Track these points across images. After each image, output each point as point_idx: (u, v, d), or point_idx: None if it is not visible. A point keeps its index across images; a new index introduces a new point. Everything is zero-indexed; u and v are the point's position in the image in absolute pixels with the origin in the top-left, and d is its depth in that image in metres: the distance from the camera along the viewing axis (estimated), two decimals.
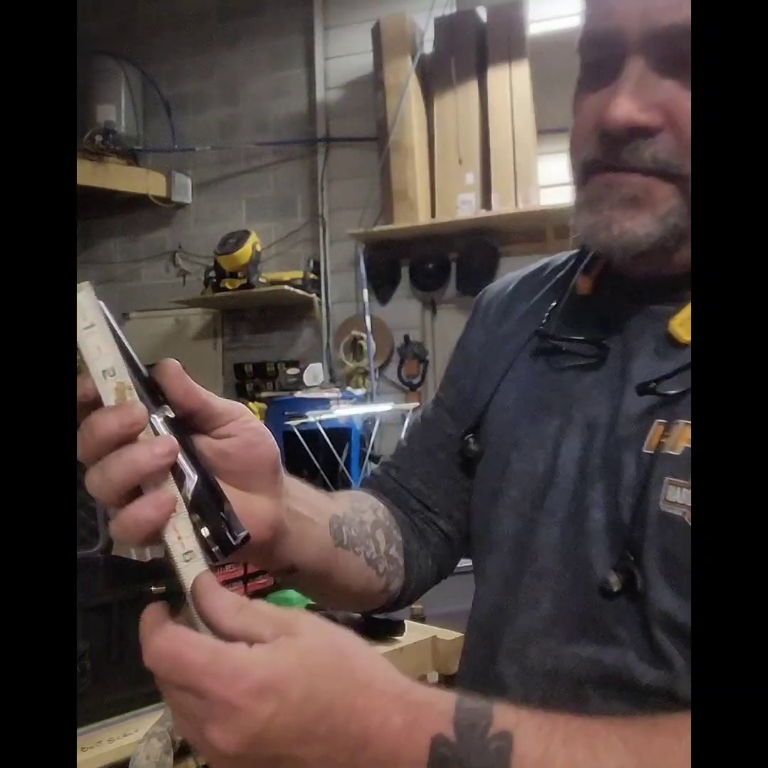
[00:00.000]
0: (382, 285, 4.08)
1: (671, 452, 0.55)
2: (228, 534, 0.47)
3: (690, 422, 0.54)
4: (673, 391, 0.55)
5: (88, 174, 4.20)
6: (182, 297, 4.32)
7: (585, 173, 0.61)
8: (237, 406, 0.53)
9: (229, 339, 4.47)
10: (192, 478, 0.47)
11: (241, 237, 3.97)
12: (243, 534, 0.47)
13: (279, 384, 4.04)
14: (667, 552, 0.54)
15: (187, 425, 0.50)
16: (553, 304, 0.71)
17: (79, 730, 1.04)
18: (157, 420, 0.47)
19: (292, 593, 1.64)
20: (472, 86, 3.72)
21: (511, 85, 3.65)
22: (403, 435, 0.88)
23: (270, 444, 0.55)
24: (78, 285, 0.47)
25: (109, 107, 4.38)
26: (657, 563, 0.54)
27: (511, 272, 0.86)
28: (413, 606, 1.67)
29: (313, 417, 3.12)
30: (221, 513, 0.47)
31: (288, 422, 3.15)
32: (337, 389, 3.69)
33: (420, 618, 1.64)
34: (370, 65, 3.98)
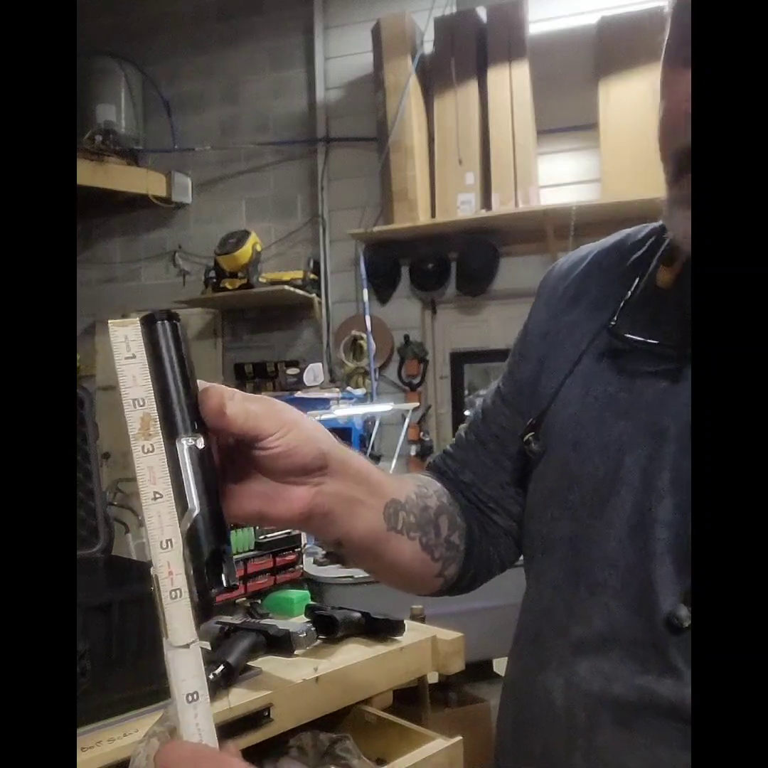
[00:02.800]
0: (382, 285, 4.08)
1: None
2: (207, 581, 0.47)
3: None
4: None
5: (88, 174, 4.20)
6: (182, 297, 4.32)
7: (680, 165, 0.53)
8: (280, 420, 0.54)
9: (229, 339, 4.47)
10: (194, 510, 0.47)
11: (241, 237, 3.97)
12: (219, 589, 0.47)
13: (279, 384, 4.04)
14: None
15: (231, 447, 0.53)
16: (627, 294, 0.64)
17: (79, 730, 1.04)
18: (183, 448, 0.49)
19: (292, 593, 1.64)
20: (472, 86, 3.72)
21: (511, 85, 3.65)
22: (463, 425, 0.85)
23: (311, 446, 0.56)
24: (131, 319, 0.50)
25: (109, 107, 4.38)
26: None
27: (585, 246, 0.76)
28: (413, 606, 1.68)
29: (313, 417, 3.11)
30: (207, 557, 0.47)
31: None
32: (337, 389, 3.69)
33: (420, 618, 1.64)
34: (370, 65, 3.98)
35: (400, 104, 3.73)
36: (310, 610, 1.46)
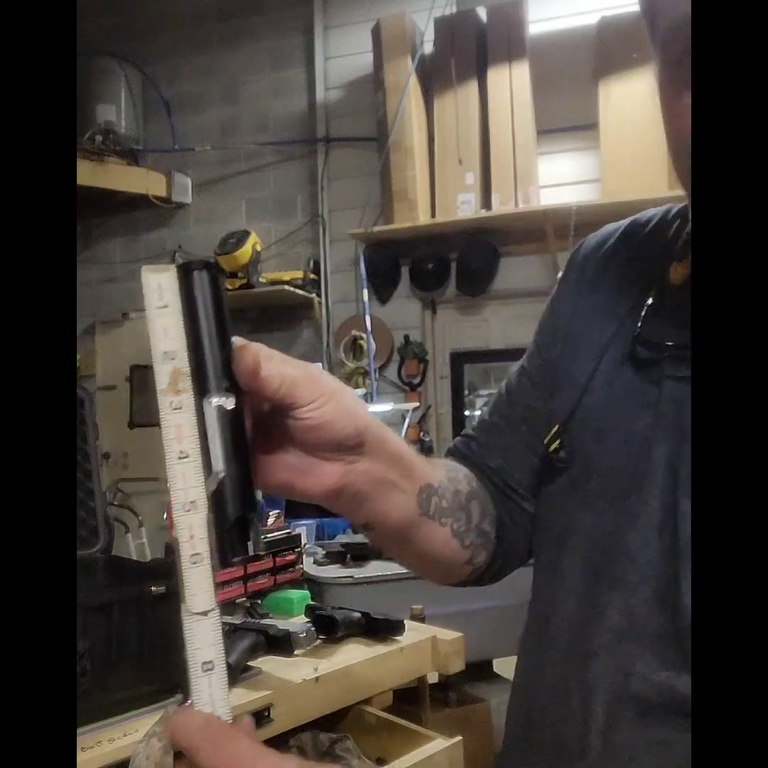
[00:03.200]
0: (382, 285, 4.08)
1: None
2: (229, 547, 0.45)
3: None
4: None
5: (88, 174, 4.20)
6: None
7: None
8: (318, 389, 0.50)
9: None
10: (220, 472, 0.45)
11: (241, 237, 3.97)
12: (243, 556, 0.46)
13: None
14: None
15: (264, 413, 0.50)
16: (649, 301, 0.63)
17: (79, 730, 1.04)
18: (211, 407, 0.45)
19: (292, 593, 1.64)
20: (472, 86, 3.72)
21: (511, 85, 3.65)
22: (485, 407, 0.81)
23: (348, 421, 0.52)
24: (165, 266, 0.47)
25: (109, 107, 4.38)
26: None
27: (610, 223, 0.74)
28: (413, 606, 1.68)
29: None
30: (232, 523, 0.45)
31: None
32: None
33: (420, 618, 1.64)
34: (370, 65, 3.98)
35: (400, 104, 3.73)
36: (310, 610, 1.46)
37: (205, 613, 0.44)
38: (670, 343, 0.59)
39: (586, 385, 0.64)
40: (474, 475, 0.73)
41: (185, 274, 0.47)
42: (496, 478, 0.74)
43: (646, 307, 0.62)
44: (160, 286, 0.46)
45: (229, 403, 0.46)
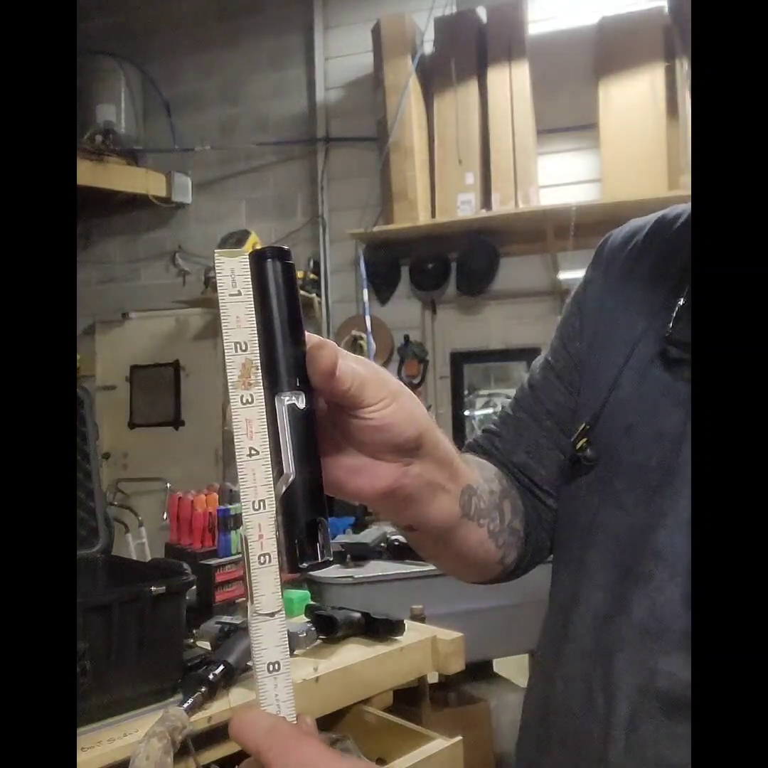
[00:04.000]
0: (382, 285, 4.08)
1: None
2: (298, 553, 0.44)
3: None
4: None
5: (88, 174, 4.21)
6: (182, 297, 4.32)
7: None
8: (384, 390, 0.49)
9: None
10: (291, 474, 0.44)
11: (241, 237, 3.97)
12: (312, 562, 0.44)
13: None
14: None
15: (333, 407, 0.49)
16: (681, 301, 0.62)
17: (79, 730, 1.04)
18: (283, 405, 0.44)
19: (292, 593, 1.64)
20: (472, 86, 3.72)
21: (511, 85, 3.65)
22: (506, 402, 0.79)
23: (410, 425, 0.52)
24: (239, 250, 0.45)
25: (109, 107, 4.38)
26: None
27: (634, 219, 0.73)
28: (413, 606, 1.68)
29: None
30: (302, 527, 0.44)
31: None
32: None
33: (420, 618, 1.64)
34: (370, 65, 3.98)
35: (400, 104, 3.73)
36: (310, 610, 1.46)
37: (272, 614, 0.44)
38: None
39: (615, 382, 0.64)
40: (502, 472, 0.72)
41: (259, 261, 0.45)
42: (521, 474, 0.73)
43: (678, 308, 0.61)
44: (232, 272, 0.44)
45: (301, 402, 0.45)
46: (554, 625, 0.67)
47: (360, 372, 0.47)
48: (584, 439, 0.65)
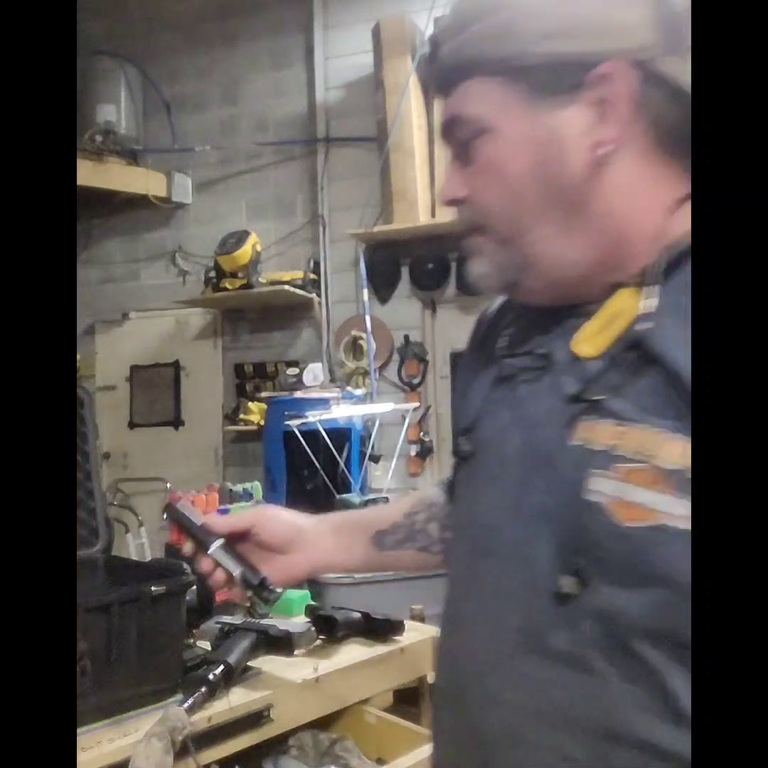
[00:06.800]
0: (382, 285, 4.07)
1: (594, 447, 0.59)
2: (263, 592, 0.86)
3: (606, 421, 0.59)
4: (595, 398, 0.60)
5: (88, 174, 4.20)
6: (182, 297, 4.32)
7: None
8: (257, 517, 0.88)
9: (229, 339, 4.47)
10: (237, 570, 0.84)
11: (241, 237, 3.97)
12: (274, 591, 0.88)
13: (279, 384, 4.04)
14: (597, 540, 0.57)
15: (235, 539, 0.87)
16: (506, 328, 0.77)
17: (79, 730, 1.04)
18: (216, 546, 0.85)
19: (292, 593, 1.64)
20: None
21: None
22: None
23: (280, 524, 0.87)
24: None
25: (109, 107, 4.38)
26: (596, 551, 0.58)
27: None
28: (413, 606, 1.68)
29: (313, 417, 3.12)
30: (257, 581, 0.85)
31: (288, 422, 3.15)
32: (337, 389, 3.69)
33: (420, 618, 1.64)
34: (370, 65, 3.98)
35: (400, 104, 3.73)
36: (310, 610, 1.46)
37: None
38: (521, 365, 0.70)
39: (481, 407, 0.75)
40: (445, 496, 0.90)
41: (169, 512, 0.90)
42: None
43: (503, 330, 0.77)
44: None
45: (220, 540, 0.86)
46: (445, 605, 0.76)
47: (238, 522, 0.88)
48: (463, 437, 0.75)
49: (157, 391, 4.59)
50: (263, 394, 4.01)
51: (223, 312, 4.45)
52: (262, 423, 3.98)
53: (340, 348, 4.05)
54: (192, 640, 1.35)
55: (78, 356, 4.47)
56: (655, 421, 0.56)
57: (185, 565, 1.28)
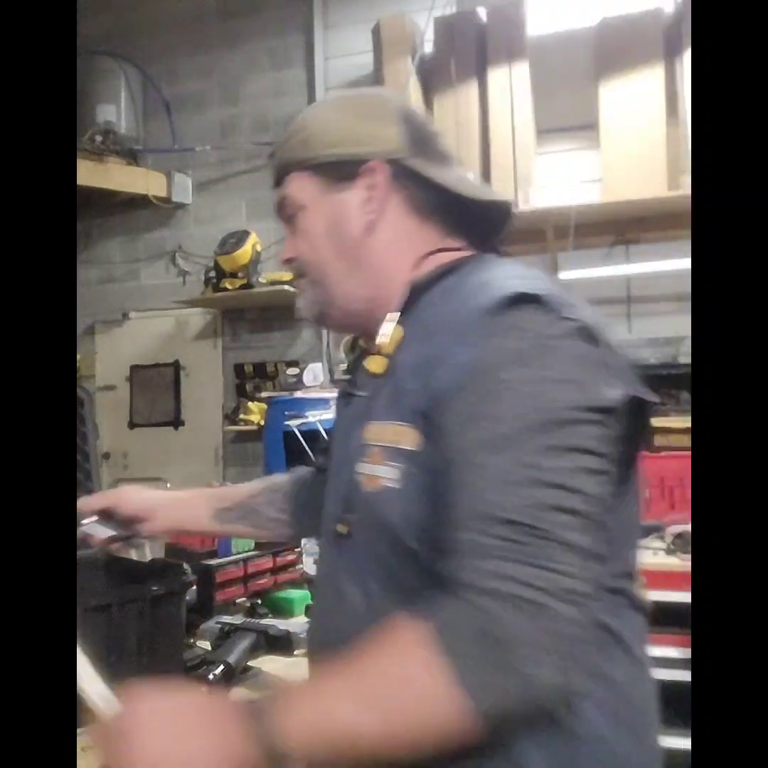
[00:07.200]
0: None
1: (364, 442, 0.83)
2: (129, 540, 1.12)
3: (376, 422, 0.82)
4: (374, 404, 0.84)
5: (88, 174, 4.20)
6: (182, 297, 4.32)
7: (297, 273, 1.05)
8: (117, 497, 1.20)
9: (229, 339, 4.47)
10: (109, 533, 1.12)
11: (241, 237, 3.97)
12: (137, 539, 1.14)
13: (279, 384, 4.04)
14: (355, 501, 0.83)
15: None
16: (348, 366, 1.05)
17: (79, 730, 1.04)
18: (89, 521, 1.11)
19: (292, 593, 1.65)
20: (472, 86, 3.72)
21: (510, 85, 3.65)
22: None
23: (134, 501, 1.19)
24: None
25: (109, 107, 4.38)
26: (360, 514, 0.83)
27: None
28: None
29: (313, 417, 3.12)
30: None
31: (288, 422, 3.15)
32: (337, 389, 3.68)
33: None
34: (370, 65, 3.98)
35: None
36: (310, 610, 1.46)
37: None
38: (348, 384, 0.99)
39: (334, 425, 1.04)
40: (299, 483, 1.20)
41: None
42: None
43: (346, 370, 1.05)
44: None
45: (108, 520, 1.17)
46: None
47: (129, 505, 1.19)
48: (321, 455, 1.09)
49: (157, 391, 4.59)
50: (263, 394, 4.01)
51: (223, 312, 4.45)
52: (262, 423, 3.97)
53: (340, 348, 4.05)
54: (192, 640, 1.35)
55: (78, 356, 4.47)
56: (396, 419, 0.79)
57: (185, 565, 1.28)
